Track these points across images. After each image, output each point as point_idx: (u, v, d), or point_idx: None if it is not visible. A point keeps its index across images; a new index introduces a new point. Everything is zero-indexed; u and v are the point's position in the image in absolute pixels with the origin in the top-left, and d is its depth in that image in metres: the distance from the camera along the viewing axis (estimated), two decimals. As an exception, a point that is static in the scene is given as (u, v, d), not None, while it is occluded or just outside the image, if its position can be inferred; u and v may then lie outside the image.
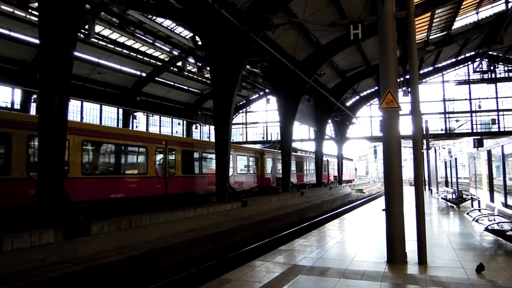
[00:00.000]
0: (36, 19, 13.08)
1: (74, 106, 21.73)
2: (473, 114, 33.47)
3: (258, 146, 35.05)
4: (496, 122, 32.46)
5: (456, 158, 17.58)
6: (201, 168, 17.37)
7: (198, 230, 11.63)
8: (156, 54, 21.47)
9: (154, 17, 17.21)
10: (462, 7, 20.63)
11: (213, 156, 16.86)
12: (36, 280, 6.54)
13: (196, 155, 17.17)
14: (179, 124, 31.76)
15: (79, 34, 12.59)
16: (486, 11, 24.63)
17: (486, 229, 7.13)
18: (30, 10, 13.63)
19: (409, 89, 7.08)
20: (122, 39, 19.15)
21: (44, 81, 8.91)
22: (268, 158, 24.66)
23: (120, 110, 25.19)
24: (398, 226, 6.27)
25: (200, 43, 17.00)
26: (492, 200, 10.02)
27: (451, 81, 34.21)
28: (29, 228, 7.99)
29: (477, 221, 8.32)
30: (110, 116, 24.82)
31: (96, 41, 17.76)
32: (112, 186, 12.43)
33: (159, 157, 14.67)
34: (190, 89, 29.66)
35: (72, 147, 11.05)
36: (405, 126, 25.22)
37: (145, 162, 13.96)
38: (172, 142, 15.62)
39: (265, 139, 37.36)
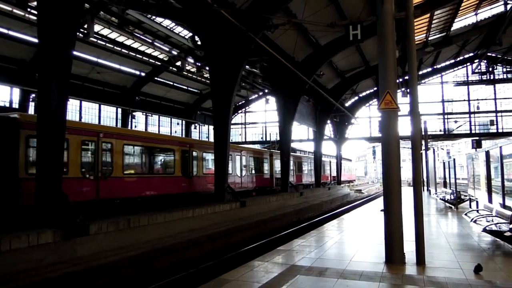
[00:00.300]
0: (35, 18, 13.06)
1: (73, 105, 21.70)
2: (472, 115, 33.54)
3: (257, 146, 35.05)
4: (495, 123, 32.52)
5: (454, 159, 17.63)
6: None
7: (197, 231, 11.63)
8: (155, 53, 21.44)
9: (154, 17, 17.18)
10: (461, 8, 20.68)
11: (229, 157, 18.43)
12: (35, 280, 6.53)
13: (213, 156, 18.26)
14: (178, 124, 31.73)
15: (78, 33, 12.57)
16: (485, 13, 24.74)
17: (484, 230, 7.14)
18: (29, 9, 13.60)
19: (408, 90, 7.10)
20: (121, 39, 19.12)
21: (43, 80, 8.89)
22: (277, 159, 25.30)
23: (119, 110, 25.15)
24: (396, 226, 6.28)
25: (199, 43, 16.99)
26: (490, 201, 10.06)
27: (450, 82, 34.28)
28: (28, 228, 7.98)
29: (475, 222, 8.34)
30: (109, 115, 24.78)
31: (95, 40, 17.72)
32: (147, 184, 13.89)
33: (184, 158, 16.02)
34: (189, 89, 29.64)
35: (115, 149, 12.47)
36: (404, 126, 25.37)
37: (172, 163, 15.40)
38: (194, 145, 16.99)
39: (264, 139, 37.35)
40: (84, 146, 11.54)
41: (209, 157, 18.12)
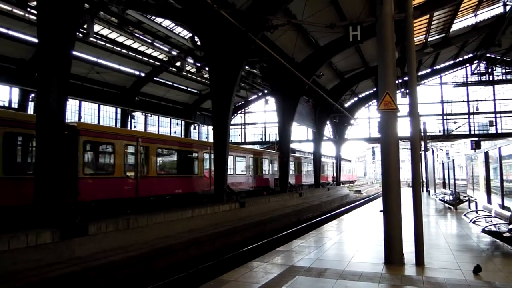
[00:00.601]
0: (35, 18, 13.05)
1: (72, 105, 21.69)
2: (471, 116, 33.59)
3: (256, 147, 35.05)
4: (494, 124, 32.58)
5: (453, 160, 17.63)
6: (235, 169, 20.90)
7: (196, 231, 11.62)
8: (155, 54, 21.44)
9: (153, 17, 17.18)
10: (460, 9, 20.72)
11: (243, 159, 21.36)
12: (34, 280, 6.52)
13: (232, 158, 20.41)
14: (177, 124, 31.72)
15: (78, 33, 12.56)
16: (484, 14, 24.78)
17: (483, 231, 7.15)
18: (28, 9, 13.59)
19: (407, 91, 7.10)
20: (121, 39, 19.11)
21: (43, 80, 8.88)
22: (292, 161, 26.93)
23: (119, 110, 25.15)
24: (395, 227, 6.28)
25: (199, 43, 17.00)
26: (489, 201, 10.07)
27: (449, 83, 34.33)
28: (26, 228, 7.96)
29: (474, 222, 8.35)
30: (108, 116, 24.77)
31: (95, 40, 17.72)
32: (176, 183, 15.44)
33: (206, 160, 17.57)
34: (188, 89, 29.63)
35: (150, 152, 14.03)
36: (403, 127, 25.35)
37: (196, 164, 16.83)
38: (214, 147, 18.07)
39: (263, 139, 37.35)
40: (126, 150, 13.07)
41: (229, 158, 19.83)
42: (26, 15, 14.60)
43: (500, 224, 7.39)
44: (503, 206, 8.61)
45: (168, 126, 30.68)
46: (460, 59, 32.78)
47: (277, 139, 27.81)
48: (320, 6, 17.19)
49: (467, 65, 33.41)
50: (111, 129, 14.67)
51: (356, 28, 8.54)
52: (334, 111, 31.17)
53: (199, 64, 21.32)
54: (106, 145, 12.41)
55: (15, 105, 18.72)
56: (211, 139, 21.64)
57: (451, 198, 14.83)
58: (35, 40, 12.10)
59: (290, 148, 24.67)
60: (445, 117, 34.26)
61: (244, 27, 13.01)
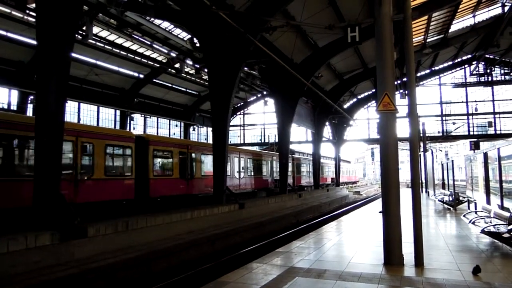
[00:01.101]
0: (34, 20, 13.05)
1: (71, 107, 21.66)
2: (470, 117, 33.64)
3: (256, 148, 35.05)
4: (493, 124, 32.63)
5: (452, 161, 17.65)
6: (254, 171, 23.85)
7: (195, 232, 11.61)
8: (154, 55, 21.44)
9: (152, 19, 17.19)
10: (459, 10, 20.78)
11: (264, 162, 24.69)
12: (33, 282, 6.50)
13: (254, 161, 23.68)
14: (176, 126, 31.70)
15: (76, 35, 12.57)
16: (483, 15, 24.86)
17: (483, 231, 7.14)
18: (27, 11, 13.59)
19: (406, 92, 7.11)
20: (119, 41, 19.10)
21: (41, 82, 8.88)
22: (291, 162, 28.22)
23: (118, 112, 25.13)
24: (395, 228, 6.28)
25: (198, 44, 17.01)
26: (488, 202, 10.07)
27: (448, 84, 34.40)
28: (25, 230, 7.95)
29: (473, 223, 8.35)
30: (108, 117, 24.75)
31: (94, 42, 17.68)
32: (211, 184, 17.28)
33: (235, 163, 20.85)
34: (187, 90, 29.63)
35: (196, 157, 17.44)
36: (402, 128, 25.41)
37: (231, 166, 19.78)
38: (242, 152, 21.92)
39: (262, 141, 37.36)
40: (180, 156, 16.21)
41: (252, 161, 23.48)
42: (25, 17, 14.60)
43: (499, 224, 7.39)
44: (502, 207, 8.62)
45: (167, 128, 30.67)
46: (459, 59, 32.84)
47: (277, 140, 27.83)
48: (319, 7, 17.21)
49: (466, 65, 33.48)
50: (169, 139, 18.82)
51: (355, 29, 8.56)
52: (333, 112, 31.16)
53: (198, 66, 21.31)
54: (167, 152, 15.50)
55: (14, 107, 18.69)
56: (210, 141, 21.75)
57: (451, 199, 14.83)
58: (34, 42, 12.12)
59: (290, 149, 24.71)
60: (444, 118, 34.31)
61: (243, 28, 13.04)
